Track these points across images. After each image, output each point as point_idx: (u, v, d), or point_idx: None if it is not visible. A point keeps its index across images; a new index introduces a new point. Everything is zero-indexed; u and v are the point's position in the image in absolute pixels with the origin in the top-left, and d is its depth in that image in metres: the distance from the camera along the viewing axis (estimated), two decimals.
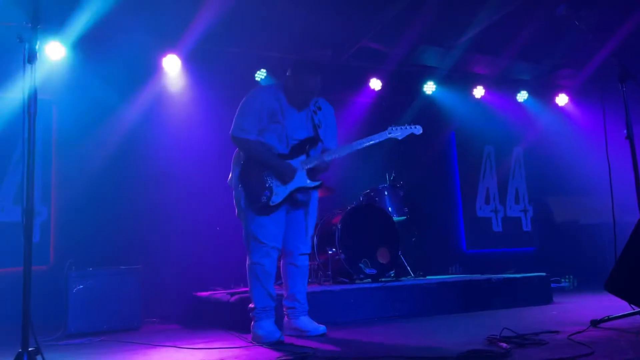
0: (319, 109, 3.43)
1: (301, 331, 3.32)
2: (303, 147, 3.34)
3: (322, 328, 3.31)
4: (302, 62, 3.40)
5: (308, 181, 3.32)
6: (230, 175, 3.44)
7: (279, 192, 3.25)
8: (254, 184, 3.25)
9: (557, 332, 2.88)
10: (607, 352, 2.28)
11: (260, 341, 3.13)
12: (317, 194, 3.51)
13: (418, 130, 3.46)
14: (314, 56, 6.27)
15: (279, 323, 3.35)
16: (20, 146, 5.01)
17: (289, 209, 3.36)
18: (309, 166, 3.31)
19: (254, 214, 3.24)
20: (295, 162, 3.30)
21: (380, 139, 3.36)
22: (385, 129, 3.40)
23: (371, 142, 3.34)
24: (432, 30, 6.09)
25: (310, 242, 3.49)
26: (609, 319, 3.00)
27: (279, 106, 3.32)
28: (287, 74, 3.37)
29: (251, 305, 3.29)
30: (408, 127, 3.44)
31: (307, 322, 3.35)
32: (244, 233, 3.32)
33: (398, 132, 3.42)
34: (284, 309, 3.43)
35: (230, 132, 3.33)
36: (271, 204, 3.22)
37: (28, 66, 2.22)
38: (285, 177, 3.25)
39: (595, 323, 3.02)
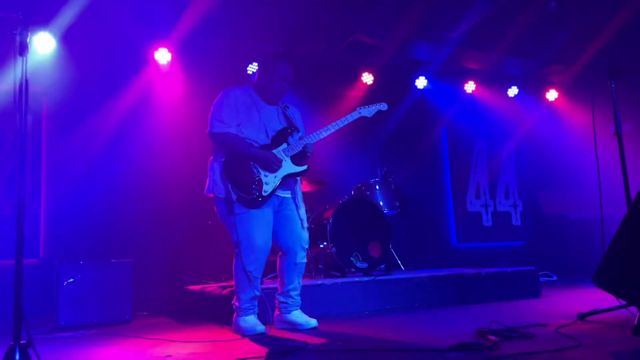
0: (287, 107, 3.55)
1: (293, 325, 3.34)
2: (282, 135, 3.39)
3: (313, 322, 3.33)
4: (272, 53, 3.52)
5: (295, 167, 3.37)
6: (207, 183, 3.38)
7: (269, 182, 3.26)
8: (242, 177, 3.23)
9: (545, 325, 2.92)
10: (594, 345, 2.32)
11: (242, 334, 3.19)
12: (300, 183, 3.56)
13: (384, 106, 3.65)
14: (305, 50, 6.26)
15: (263, 316, 3.38)
16: (10, 139, 4.96)
17: (277, 207, 3.37)
18: (293, 152, 3.36)
19: (246, 207, 3.22)
20: (278, 151, 3.34)
21: (353, 118, 3.52)
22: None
23: (345, 123, 3.48)
24: (424, 24, 6.11)
25: (307, 235, 3.48)
26: (596, 313, 3.05)
27: (252, 101, 3.40)
28: (257, 71, 3.45)
29: (235, 302, 3.32)
30: (375, 106, 3.62)
31: (298, 316, 3.37)
32: (233, 235, 3.27)
33: (366, 111, 3.57)
34: (276, 303, 3.45)
35: (208, 131, 3.32)
36: (264, 194, 3.22)
37: (19, 58, 2.21)
38: (272, 165, 3.26)
39: (582, 316, 3.06)
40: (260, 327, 3.21)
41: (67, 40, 5.25)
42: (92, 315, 4.12)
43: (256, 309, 3.33)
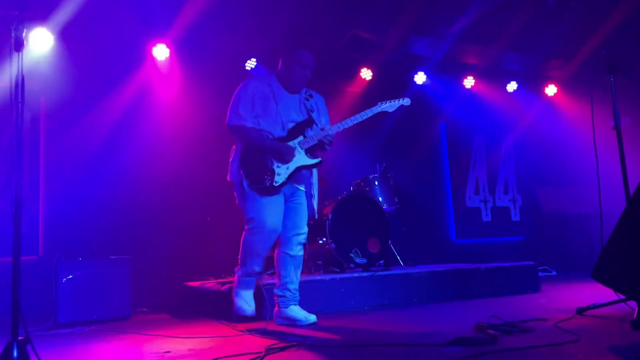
0: (310, 96, 3.56)
1: (292, 320, 3.34)
2: (299, 128, 3.43)
3: (312, 317, 3.34)
4: (295, 43, 3.57)
5: (308, 159, 3.40)
6: (229, 170, 3.47)
7: (281, 173, 3.32)
8: (255, 169, 3.31)
9: (543, 319, 2.92)
10: (592, 339, 2.32)
11: (235, 306, 3.38)
12: (317, 175, 3.60)
13: (407, 101, 3.64)
14: (304, 45, 6.24)
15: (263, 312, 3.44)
16: (7, 136, 4.95)
17: (288, 197, 3.41)
18: (309, 145, 3.40)
19: (257, 195, 3.29)
20: (293, 143, 3.38)
21: (373, 113, 3.51)
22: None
23: (364, 117, 3.49)
24: (423, 19, 6.09)
25: (307, 231, 3.49)
26: (595, 307, 3.05)
27: (271, 90, 3.43)
28: (280, 59, 3.51)
29: (237, 270, 3.44)
30: (397, 101, 3.59)
31: (297, 311, 3.37)
32: (245, 215, 3.36)
33: (388, 106, 3.56)
34: (275, 298, 3.45)
35: (226, 122, 3.40)
36: (275, 184, 3.29)
37: (15, 54, 2.20)
38: (285, 156, 3.32)
39: (581, 311, 3.07)
40: (250, 309, 3.37)
41: (65, 36, 5.23)
42: (91, 311, 4.12)
43: (253, 285, 3.45)
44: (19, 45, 2.20)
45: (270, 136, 3.37)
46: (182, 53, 5.79)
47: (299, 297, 3.45)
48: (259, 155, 3.33)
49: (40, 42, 5.10)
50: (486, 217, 7.66)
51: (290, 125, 3.42)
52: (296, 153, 3.37)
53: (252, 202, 3.31)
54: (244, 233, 3.38)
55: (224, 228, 5.31)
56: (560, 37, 6.55)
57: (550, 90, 7.98)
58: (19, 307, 2.13)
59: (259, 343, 2.74)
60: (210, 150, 5.64)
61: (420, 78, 7.12)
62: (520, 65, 7.65)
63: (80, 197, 5.17)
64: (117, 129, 5.40)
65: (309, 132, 3.44)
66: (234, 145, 3.50)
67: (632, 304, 2.75)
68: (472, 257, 6.44)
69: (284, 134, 3.39)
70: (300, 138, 3.41)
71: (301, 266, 3.52)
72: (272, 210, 3.31)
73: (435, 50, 6.89)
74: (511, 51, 7.13)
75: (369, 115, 3.49)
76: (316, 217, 3.53)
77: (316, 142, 3.40)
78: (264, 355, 2.37)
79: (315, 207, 3.58)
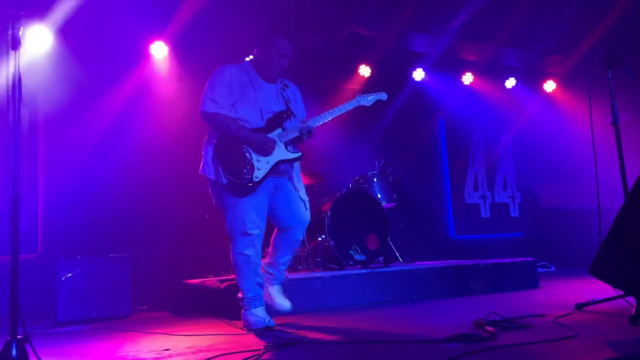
0: (286, 86, 3.43)
1: (270, 299, 3.33)
2: (278, 120, 3.27)
3: (286, 306, 3.31)
4: (273, 31, 3.43)
5: (289, 153, 3.25)
6: (202, 163, 3.28)
7: (261, 167, 3.14)
8: (233, 161, 3.10)
9: (542, 315, 2.93)
10: (591, 335, 2.32)
11: (250, 328, 3.12)
12: (298, 165, 3.44)
13: (383, 96, 3.55)
14: (303, 42, 6.24)
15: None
16: (5, 134, 4.94)
17: (272, 190, 3.26)
18: (288, 137, 3.25)
19: (236, 196, 3.12)
20: (272, 135, 3.22)
21: (352, 107, 3.42)
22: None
23: (343, 111, 3.39)
24: (422, 16, 6.08)
25: (309, 214, 3.38)
26: (593, 303, 3.06)
27: (249, 78, 3.29)
28: (256, 49, 3.37)
29: (240, 295, 3.24)
30: (374, 95, 3.51)
31: (276, 294, 3.35)
32: (227, 221, 3.21)
33: (365, 100, 3.48)
34: (262, 271, 3.31)
35: (200, 109, 3.20)
36: (255, 179, 3.10)
37: (12, 52, 2.19)
38: (265, 149, 3.15)
39: (579, 307, 3.07)
40: (270, 321, 3.12)
41: (63, 34, 5.22)
42: (91, 310, 4.12)
43: (262, 300, 3.23)
44: (16, 44, 2.19)
45: (248, 126, 3.17)
46: (180, 50, 5.78)
47: (283, 279, 3.41)
48: (236, 147, 3.12)
49: (38, 40, 5.09)
50: (485, 213, 7.66)
51: (269, 115, 3.24)
52: (276, 146, 3.19)
53: (230, 209, 3.13)
54: (231, 248, 3.20)
55: (223, 225, 5.30)
56: (558, 33, 6.54)
57: (549, 86, 7.98)
58: (17, 306, 2.13)
59: (258, 341, 2.74)
60: None
61: (418, 74, 7.12)
62: (519, 61, 7.65)
63: (79, 195, 5.17)
64: (116, 126, 5.39)
65: (288, 124, 3.29)
66: (206, 137, 3.29)
67: (631, 299, 2.75)
68: (471, 253, 6.45)
69: (262, 124, 3.21)
70: (279, 130, 3.25)
71: (295, 252, 3.46)
72: (254, 215, 3.12)
73: (433, 46, 6.88)
74: (510, 47, 7.13)
75: (348, 109, 3.38)
76: (307, 208, 3.39)
77: (297, 134, 3.24)
78: (263, 353, 2.37)
79: (305, 198, 3.37)
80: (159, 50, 5.68)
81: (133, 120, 5.49)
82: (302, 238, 3.41)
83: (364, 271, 4.36)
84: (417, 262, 5.36)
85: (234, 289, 3.78)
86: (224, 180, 3.11)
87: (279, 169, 3.24)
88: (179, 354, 2.53)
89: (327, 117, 3.33)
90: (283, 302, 3.32)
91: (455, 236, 7.39)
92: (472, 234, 7.47)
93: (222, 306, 3.88)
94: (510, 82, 7.67)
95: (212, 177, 3.18)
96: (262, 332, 3.03)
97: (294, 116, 3.35)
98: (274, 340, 2.67)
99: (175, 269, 5.26)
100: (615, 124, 3.16)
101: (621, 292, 2.86)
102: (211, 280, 4.45)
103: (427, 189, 7.25)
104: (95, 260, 4.26)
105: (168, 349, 2.67)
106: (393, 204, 5.36)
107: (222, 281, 4.09)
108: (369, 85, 6.81)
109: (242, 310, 3.23)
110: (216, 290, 4.05)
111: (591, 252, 2.97)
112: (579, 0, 5.81)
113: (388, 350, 2.33)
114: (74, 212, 5.11)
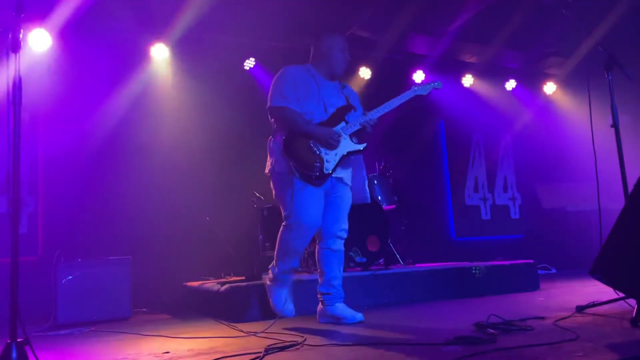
0: (344, 86, 3.58)
1: (337, 318, 3.26)
2: (341, 113, 3.39)
3: (359, 316, 3.27)
4: (327, 28, 3.56)
5: (354, 144, 3.37)
6: (268, 163, 3.37)
7: (330, 160, 3.25)
8: (303, 155, 3.20)
9: (543, 318, 2.92)
10: (592, 337, 2.31)
11: (273, 304, 3.38)
12: (361, 157, 3.58)
13: (439, 85, 3.64)
14: (303, 44, 6.24)
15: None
16: (5, 137, 4.94)
17: (329, 191, 3.33)
18: (352, 130, 3.36)
19: (302, 186, 3.19)
20: (336, 129, 3.32)
21: (409, 97, 3.52)
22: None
23: (401, 101, 3.51)
24: (421, 18, 6.08)
25: (347, 225, 3.42)
26: (594, 305, 3.05)
27: (311, 76, 3.42)
28: (313, 48, 3.52)
29: (272, 267, 3.39)
30: (430, 84, 3.60)
31: (343, 309, 3.30)
32: (285, 209, 3.27)
33: (421, 89, 3.56)
34: (319, 296, 3.37)
35: (268, 105, 3.31)
36: (325, 172, 3.21)
37: (12, 55, 2.19)
38: (331, 143, 3.25)
39: (580, 309, 3.06)
40: (290, 307, 3.38)
41: (64, 37, 5.23)
42: (91, 312, 4.12)
43: (289, 284, 3.43)
44: (16, 46, 2.19)
45: (312, 119, 3.29)
46: (181, 52, 5.79)
47: (343, 294, 3.37)
48: (305, 142, 3.22)
49: (38, 43, 5.10)
50: (485, 215, 7.66)
51: (332, 109, 3.36)
52: (341, 139, 3.30)
53: (295, 194, 3.20)
54: (281, 229, 3.29)
55: (223, 227, 5.32)
56: (558, 34, 6.55)
57: (549, 88, 7.98)
58: (17, 308, 2.13)
59: (259, 343, 2.74)
60: (210, 150, 5.65)
61: (419, 76, 7.12)
62: (519, 63, 7.65)
63: (79, 198, 5.17)
64: (117, 128, 5.40)
65: (350, 117, 3.40)
66: (270, 137, 3.40)
67: (632, 301, 2.75)
68: (472, 255, 6.44)
69: (325, 117, 3.33)
70: (343, 124, 3.36)
71: (343, 260, 3.43)
72: (313, 205, 3.22)
73: (433, 48, 6.89)
74: (510, 49, 7.13)
75: (406, 99, 3.49)
76: (369, 202, 3.53)
77: (359, 127, 3.36)
78: (264, 356, 2.37)
79: (367, 189, 3.59)
80: (160, 53, 5.68)
81: (134, 122, 5.50)
82: (341, 249, 3.40)
83: (364, 273, 4.36)
84: (417, 264, 5.35)
85: (234, 291, 3.79)
86: (297, 173, 3.20)
87: (346, 161, 3.36)
88: (179, 357, 2.53)
89: (386, 108, 3.44)
90: (355, 315, 3.27)
91: (456, 238, 7.39)
92: (473, 235, 7.47)
93: (222, 308, 3.87)
94: (510, 84, 7.68)
95: (285, 170, 3.24)
96: (261, 334, 3.03)
97: (355, 110, 3.46)
98: (275, 342, 2.67)
99: (175, 271, 5.26)
100: (615, 125, 3.16)
101: (622, 294, 2.85)
102: (211, 283, 4.44)
103: (427, 190, 7.25)
104: (96, 263, 4.25)
105: (168, 352, 2.67)
106: (393, 206, 5.36)
107: (222, 283, 4.09)
108: (370, 88, 6.82)
109: (267, 285, 3.44)
110: (216, 292, 4.05)
111: (592, 254, 2.97)
112: (578, 1, 5.81)
113: (389, 353, 2.33)
114: (75, 215, 5.11)
